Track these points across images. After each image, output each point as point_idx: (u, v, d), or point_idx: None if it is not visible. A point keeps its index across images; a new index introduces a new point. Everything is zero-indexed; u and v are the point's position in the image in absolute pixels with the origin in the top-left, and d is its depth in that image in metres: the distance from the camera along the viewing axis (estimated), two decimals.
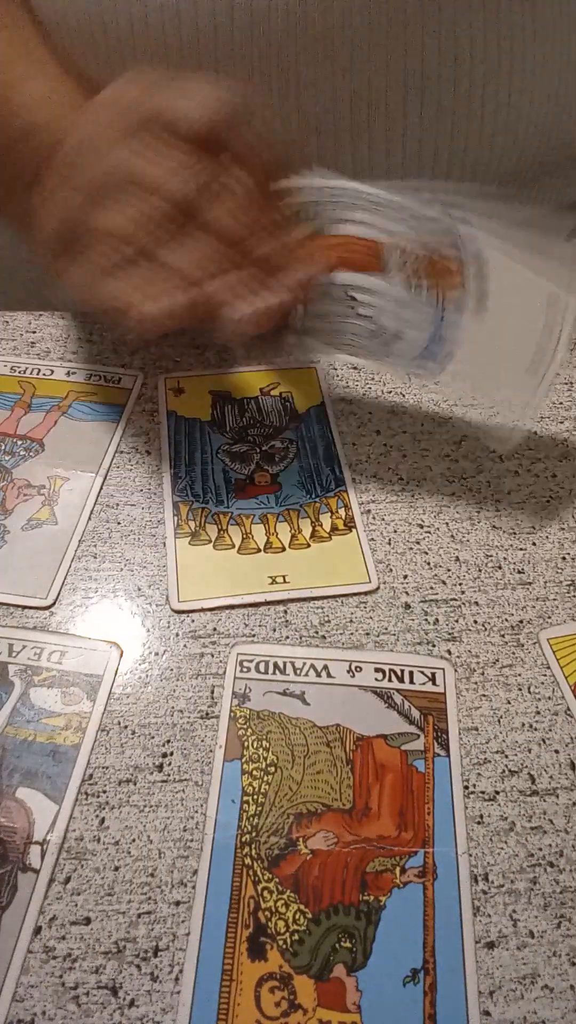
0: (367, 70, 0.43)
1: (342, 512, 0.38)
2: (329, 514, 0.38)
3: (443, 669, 0.32)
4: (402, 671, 0.32)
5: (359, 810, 0.28)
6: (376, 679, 0.32)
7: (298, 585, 0.35)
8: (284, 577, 0.35)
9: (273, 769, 0.29)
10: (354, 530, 0.37)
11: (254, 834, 0.27)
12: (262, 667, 0.32)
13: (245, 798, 0.28)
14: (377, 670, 0.32)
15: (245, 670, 0.32)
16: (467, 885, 0.26)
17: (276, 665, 0.32)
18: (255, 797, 0.28)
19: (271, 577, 0.35)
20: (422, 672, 0.32)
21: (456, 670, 0.32)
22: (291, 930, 0.25)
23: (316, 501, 0.38)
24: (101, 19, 0.40)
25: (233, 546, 0.36)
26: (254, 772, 0.29)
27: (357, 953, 0.25)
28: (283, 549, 0.36)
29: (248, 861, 0.27)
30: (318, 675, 0.31)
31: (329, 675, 0.31)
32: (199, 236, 0.34)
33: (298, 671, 0.32)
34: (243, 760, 0.29)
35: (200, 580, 0.35)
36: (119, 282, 0.34)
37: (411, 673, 0.32)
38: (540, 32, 0.44)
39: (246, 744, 0.29)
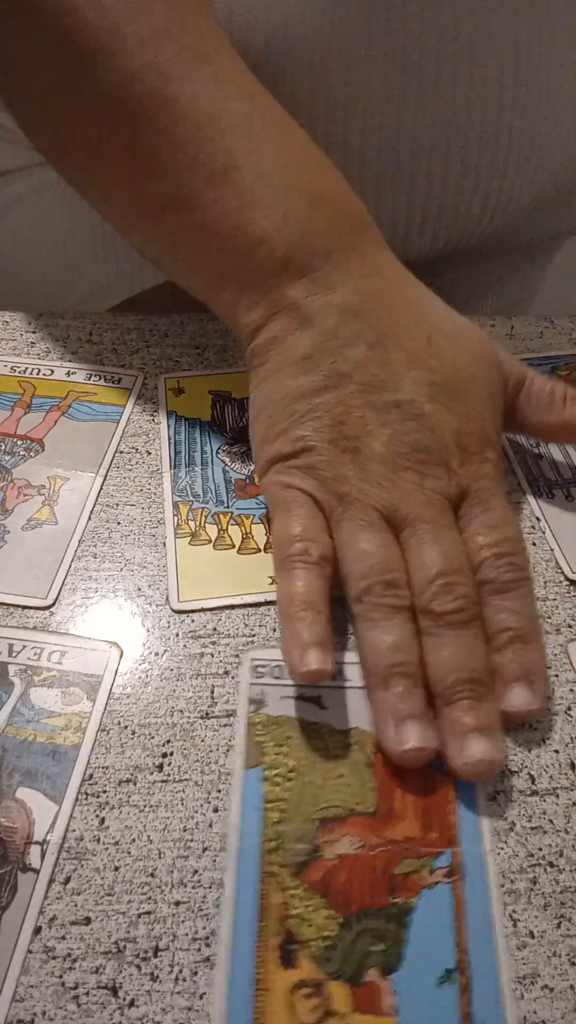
0: (394, 107, 0.43)
1: None
2: None
3: None
4: None
5: (383, 812, 0.28)
6: None
7: None
8: None
9: (294, 775, 0.29)
10: None
11: (279, 841, 0.27)
12: (276, 672, 0.31)
13: (268, 805, 0.28)
14: None
15: (259, 675, 0.31)
16: (496, 882, 0.26)
17: None
18: (278, 804, 0.28)
19: (271, 577, 0.35)
20: None
21: None
22: (321, 936, 0.25)
23: None
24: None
25: (233, 546, 0.36)
26: (275, 779, 0.28)
27: (390, 956, 0.25)
28: None
29: (274, 869, 0.26)
30: (332, 679, 0.31)
31: (344, 678, 0.31)
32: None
33: None
34: (263, 767, 0.29)
35: (200, 580, 0.35)
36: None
37: None
38: (555, 57, 0.44)
39: (265, 751, 0.29)
